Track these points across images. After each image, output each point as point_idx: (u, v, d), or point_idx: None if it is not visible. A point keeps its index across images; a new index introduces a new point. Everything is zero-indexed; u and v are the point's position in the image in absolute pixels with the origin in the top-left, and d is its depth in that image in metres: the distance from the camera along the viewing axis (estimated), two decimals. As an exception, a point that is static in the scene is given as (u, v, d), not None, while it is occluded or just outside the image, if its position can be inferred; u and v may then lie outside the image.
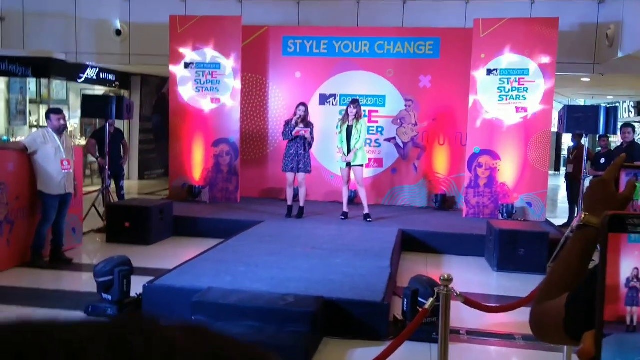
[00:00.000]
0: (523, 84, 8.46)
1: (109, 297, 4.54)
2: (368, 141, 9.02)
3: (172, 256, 6.37)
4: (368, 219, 7.91)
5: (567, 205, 9.81)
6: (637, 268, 0.53)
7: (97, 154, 8.75)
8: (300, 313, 4.10)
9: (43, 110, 12.36)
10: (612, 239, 0.54)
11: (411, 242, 7.33)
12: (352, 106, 7.83)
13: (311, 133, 7.77)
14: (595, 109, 6.96)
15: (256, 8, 10.32)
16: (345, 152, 7.81)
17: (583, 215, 1.03)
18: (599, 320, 0.53)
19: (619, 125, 8.03)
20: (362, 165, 7.94)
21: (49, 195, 6.06)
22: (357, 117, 7.80)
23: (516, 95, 8.48)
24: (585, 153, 7.42)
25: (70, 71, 11.89)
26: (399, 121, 9.48)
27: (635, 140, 8.17)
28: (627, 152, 7.63)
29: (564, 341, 0.91)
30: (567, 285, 1.00)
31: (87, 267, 6.06)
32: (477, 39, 8.51)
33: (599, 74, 10.04)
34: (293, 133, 7.68)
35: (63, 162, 6.06)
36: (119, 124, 10.12)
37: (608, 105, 9.68)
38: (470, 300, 3.36)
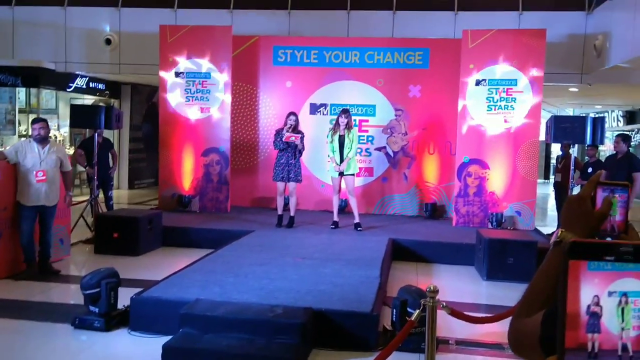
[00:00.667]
0: (511, 94, 8.52)
1: (96, 310, 4.50)
2: (358, 150, 9.03)
3: (161, 267, 6.33)
4: (359, 228, 7.91)
5: (556, 214, 9.87)
6: (597, 296, 0.53)
7: (85, 164, 8.71)
8: (289, 324, 4.08)
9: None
10: (572, 266, 0.54)
11: (401, 251, 7.33)
12: (342, 116, 7.86)
13: (301, 141, 7.79)
14: (582, 119, 7.01)
15: (247, 18, 10.35)
16: (338, 162, 7.83)
17: (560, 232, 1.04)
18: (560, 347, 0.53)
19: (614, 134, 8.01)
20: (353, 175, 7.96)
21: (24, 206, 6.00)
22: (348, 126, 7.83)
23: (504, 105, 8.54)
24: (572, 162, 7.46)
25: (60, 80, 11.86)
26: (389, 130, 9.52)
27: (631, 151, 8.12)
28: (623, 163, 7.63)
29: (540, 359, 0.91)
30: (545, 302, 1.00)
31: (75, 278, 6.01)
32: (465, 50, 8.57)
33: (587, 84, 10.14)
34: (284, 139, 7.70)
35: (37, 173, 5.99)
36: (107, 133, 10.09)
37: (595, 115, 9.76)
38: (456, 312, 3.36)
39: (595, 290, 0.53)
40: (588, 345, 0.52)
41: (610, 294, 0.54)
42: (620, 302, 0.54)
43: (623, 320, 0.54)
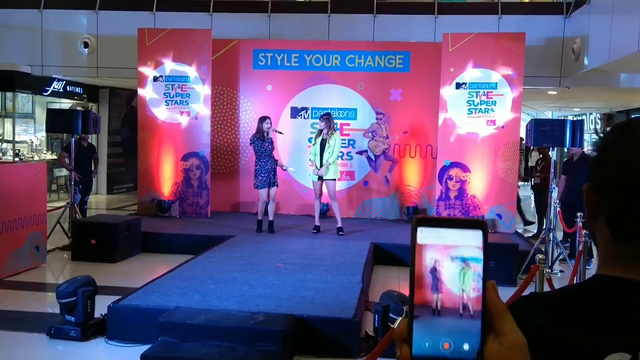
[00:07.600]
0: (491, 97, 8.56)
1: (72, 319, 4.39)
2: (340, 154, 8.99)
3: (140, 274, 6.23)
4: (340, 233, 7.87)
5: (536, 216, 9.91)
6: (438, 260, 0.60)
7: (71, 167, 8.54)
8: (270, 332, 4.02)
9: (8, 124, 12.08)
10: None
11: (383, 256, 7.30)
12: (321, 120, 7.82)
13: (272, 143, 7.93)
14: (562, 122, 7.05)
15: (226, 21, 10.26)
16: (318, 166, 7.78)
17: None
18: (410, 303, 0.61)
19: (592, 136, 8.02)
20: (334, 180, 7.90)
21: None
22: (331, 130, 7.78)
23: (485, 109, 8.58)
24: (552, 165, 7.50)
25: (36, 84, 11.64)
26: (370, 134, 9.51)
27: (586, 153, 8.19)
28: (581, 165, 7.63)
29: None
30: None
31: (51, 286, 5.88)
32: (446, 53, 8.59)
33: (566, 87, 10.23)
34: (270, 134, 7.76)
35: None
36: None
37: (574, 118, 9.83)
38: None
39: (437, 255, 0.61)
40: (432, 302, 0.60)
41: (452, 259, 0.61)
42: (462, 267, 0.61)
43: (464, 282, 0.60)
